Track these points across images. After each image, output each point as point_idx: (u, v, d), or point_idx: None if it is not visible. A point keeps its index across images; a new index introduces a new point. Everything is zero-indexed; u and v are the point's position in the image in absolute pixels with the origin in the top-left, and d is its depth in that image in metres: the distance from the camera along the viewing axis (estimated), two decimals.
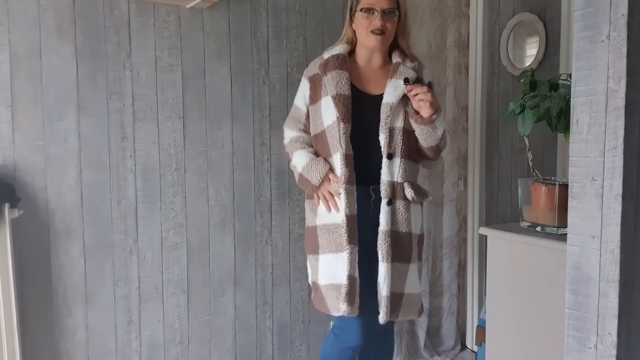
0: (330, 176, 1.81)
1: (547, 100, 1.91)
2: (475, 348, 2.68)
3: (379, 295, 1.78)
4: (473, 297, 2.81)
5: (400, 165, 1.79)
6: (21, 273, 1.89)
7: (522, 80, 1.96)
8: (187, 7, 2.13)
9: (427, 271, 2.82)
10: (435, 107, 1.74)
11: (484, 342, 2.20)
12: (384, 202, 1.77)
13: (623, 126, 1.16)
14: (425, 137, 1.79)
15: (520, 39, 2.80)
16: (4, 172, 1.84)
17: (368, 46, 1.83)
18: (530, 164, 1.98)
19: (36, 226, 1.91)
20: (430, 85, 1.81)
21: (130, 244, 2.09)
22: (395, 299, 1.80)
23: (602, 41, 1.19)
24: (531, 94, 1.92)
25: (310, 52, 2.42)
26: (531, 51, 2.78)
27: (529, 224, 1.99)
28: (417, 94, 1.73)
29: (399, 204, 1.79)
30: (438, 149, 1.84)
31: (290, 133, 1.97)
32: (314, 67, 1.88)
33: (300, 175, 1.89)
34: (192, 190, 2.21)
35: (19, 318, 1.81)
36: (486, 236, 2.14)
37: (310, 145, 1.93)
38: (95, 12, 1.98)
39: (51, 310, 1.95)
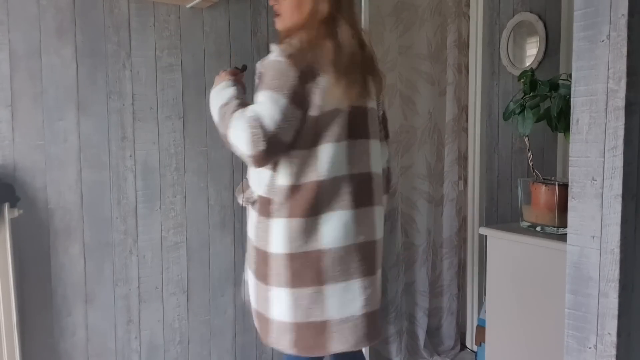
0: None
1: (547, 100, 1.91)
2: (475, 348, 2.68)
3: None
4: (473, 297, 2.81)
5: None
6: (21, 273, 1.89)
7: (522, 80, 1.96)
8: (187, 7, 2.13)
9: (427, 271, 2.82)
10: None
11: (484, 342, 2.20)
12: None
13: (623, 126, 1.16)
14: None
15: (520, 39, 2.80)
16: (4, 172, 1.84)
17: None
18: (530, 164, 1.98)
19: (36, 226, 1.91)
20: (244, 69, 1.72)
21: (130, 243, 2.09)
22: None
23: (602, 41, 1.19)
24: (531, 94, 1.92)
25: None
26: (531, 51, 2.78)
27: (529, 224, 1.98)
28: None
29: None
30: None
31: None
32: None
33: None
34: (192, 190, 2.20)
35: (19, 318, 1.80)
36: (486, 236, 2.14)
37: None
38: (95, 11, 1.98)
39: (51, 310, 1.95)
